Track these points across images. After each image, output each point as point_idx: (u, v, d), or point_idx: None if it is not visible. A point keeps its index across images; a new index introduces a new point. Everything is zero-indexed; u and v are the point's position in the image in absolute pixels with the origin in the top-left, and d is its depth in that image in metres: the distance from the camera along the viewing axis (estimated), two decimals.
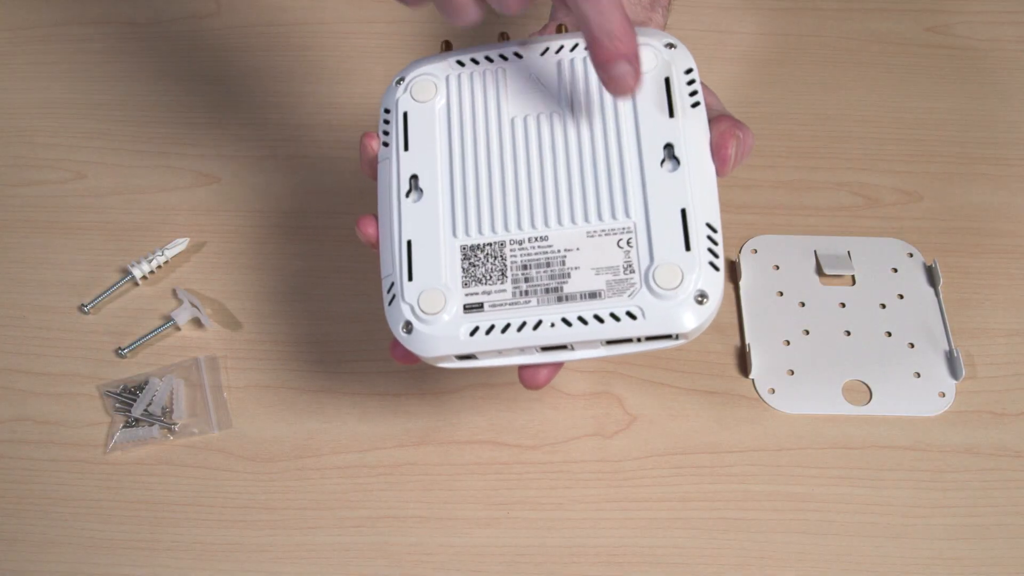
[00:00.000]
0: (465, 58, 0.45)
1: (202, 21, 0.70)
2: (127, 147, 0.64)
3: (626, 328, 0.40)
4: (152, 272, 0.58)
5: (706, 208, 0.41)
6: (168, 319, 0.56)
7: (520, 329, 0.40)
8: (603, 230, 0.41)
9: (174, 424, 0.53)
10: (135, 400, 0.53)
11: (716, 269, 0.40)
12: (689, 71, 0.43)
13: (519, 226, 0.42)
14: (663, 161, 0.42)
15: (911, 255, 0.58)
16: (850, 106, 0.65)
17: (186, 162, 0.63)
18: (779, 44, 0.69)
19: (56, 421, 0.53)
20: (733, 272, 0.58)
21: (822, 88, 0.66)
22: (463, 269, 0.42)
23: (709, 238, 0.40)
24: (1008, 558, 0.49)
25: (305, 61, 0.68)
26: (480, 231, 0.42)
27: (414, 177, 0.44)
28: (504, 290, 0.41)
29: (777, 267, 0.58)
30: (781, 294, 0.57)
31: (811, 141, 0.64)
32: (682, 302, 0.39)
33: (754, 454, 0.52)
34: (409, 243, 0.42)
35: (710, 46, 0.69)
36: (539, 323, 0.40)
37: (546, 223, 0.42)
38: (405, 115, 0.45)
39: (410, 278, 0.42)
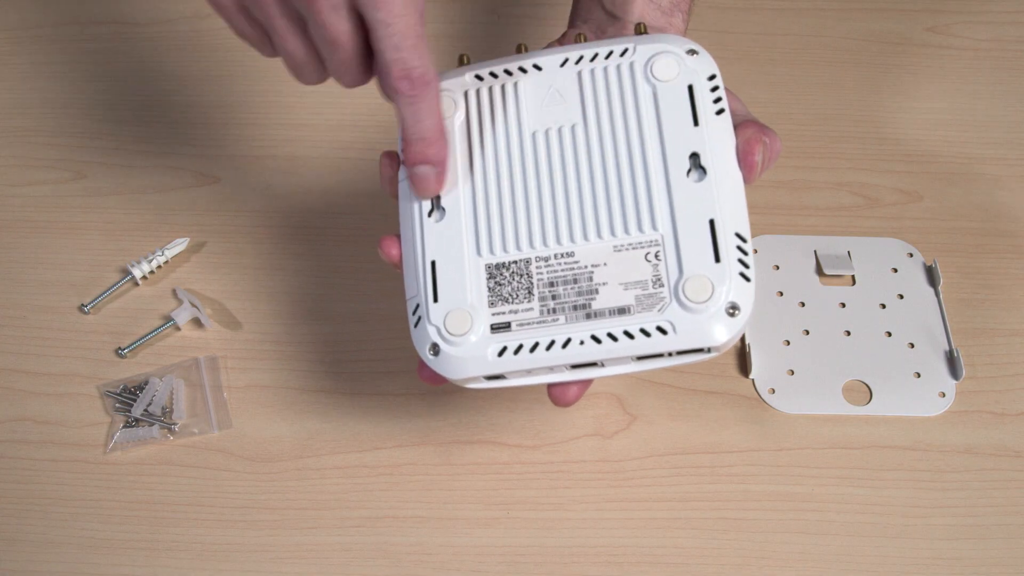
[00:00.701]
0: (483, 72, 0.45)
1: (202, 21, 0.70)
2: (127, 147, 0.64)
3: (657, 343, 0.39)
4: (152, 272, 0.58)
5: (735, 217, 0.40)
6: (168, 319, 0.56)
7: (549, 348, 0.40)
8: (630, 244, 0.40)
9: (174, 424, 0.53)
10: (135, 400, 0.53)
11: (747, 280, 0.39)
12: (712, 77, 0.43)
13: (544, 243, 0.41)
14: (689, 171, 0.41)
15: (911, 255, 0.58)
16: (850, 106, 0.65)
17: (186, 162, 0.63)
18: (779, 44, 0.69)
19: (56, 421, 0.53)
20: None
21: (822, 88, 0.66)
22: (489, 288, 0.41)
23: (739, 248, 0.40)
24: (1008, 558, 0.49)
25: None
26: (505, 249, 0.42)
27: (436, 196, 0.43)
28: (531, 308, 0.41)
29: (777, 267, 0.58)
30: (781, 294, 0.57)
31: (811, 141, 0.64)
32: (713, 315, 0.39)
33: (754, 454, 0.52)
34: (433, 264, 0.42)
35: (710, 46, 0.68)
36: (568, 341, 0.40)
37: (572, 239, 0.41)
38: None
39: (435, 299, 0.41)
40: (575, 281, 0.41)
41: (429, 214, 0.43)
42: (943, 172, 0.62)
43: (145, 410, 0.53)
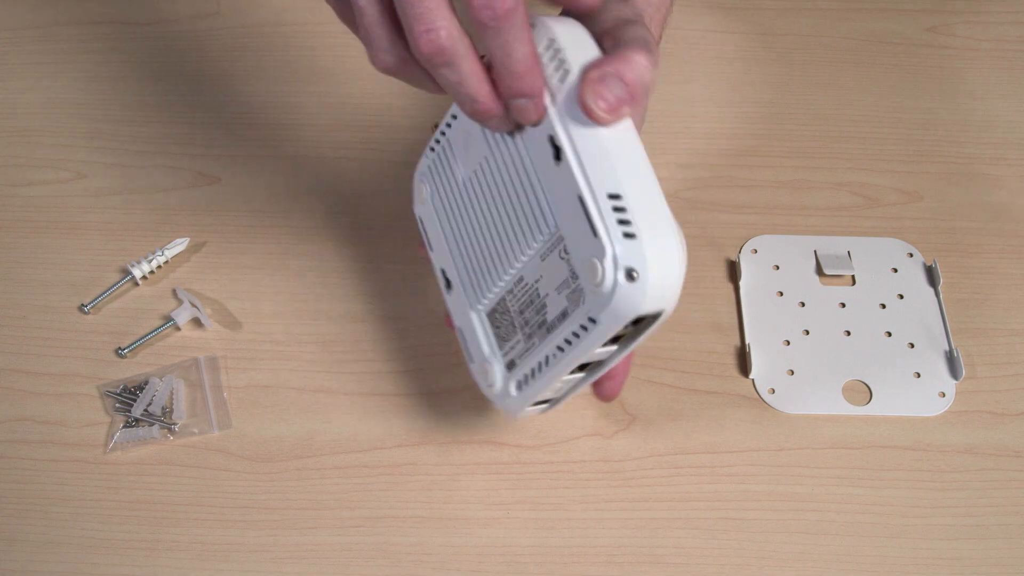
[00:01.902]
0: (434, 141, 0.46)
1: (202, 21, 0.70)
2: (127, 147, 0.64)
3: (596, 336, 0.38)
4: (152, 272, 0.58)
5: (604, 178, 0.36)
6: (168, 319, 0.56)
7: (540, 371, 0.41)
8: (546, 248, 0.40)
9: (174, 424, 0.53)
10: (135, 400, 0.53)
11: (631, 237, 0.36)
12: (551, 42, 0.38)
13: (501, 277, 0.42)
14: (553, 157, 0.38)
15: (911, 255, 0.58)
16: (850, 106, 0.65)
17: (186, 162, 0.63)
18: (779, 44, 0.69)
19: (56, 421, 0.53)
20: (733, 272, 0.58)
21: (822, 88, 0.66)
22: (495, 335, 0.44)
23: (615, 209, 0.36)
24: (1008, 558, 0.49)
25: (305, 61, 0.68)
26: (488, 295, 0.44)
27: (443, 271, 0.47)
28: (519, 340, 0.42)
29: (777, 267, 0.58)
30: (781, 294, 0.57)
31: (811, 141, 0.64)
32: (614, 290, 0.36)
33: (754, 454, 0.52)
34: (461, 330, 0.46)
35: (710, 46, 0.69)
36: (546, 359, 0.41)
37: (512, 263, 0.42)
38: (421, 220, 0.48)
39: (471, 359, 0.46)
40: (531, 302, 0.41)
41: (448, 288, 0.47)
42: (943, 172, 0.62)
43: (145, 410, 0.53)
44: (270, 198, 0.61)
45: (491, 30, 0.35)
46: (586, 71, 0.37)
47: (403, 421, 0.53)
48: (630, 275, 0.36)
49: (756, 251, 0.59)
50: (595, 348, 0.39)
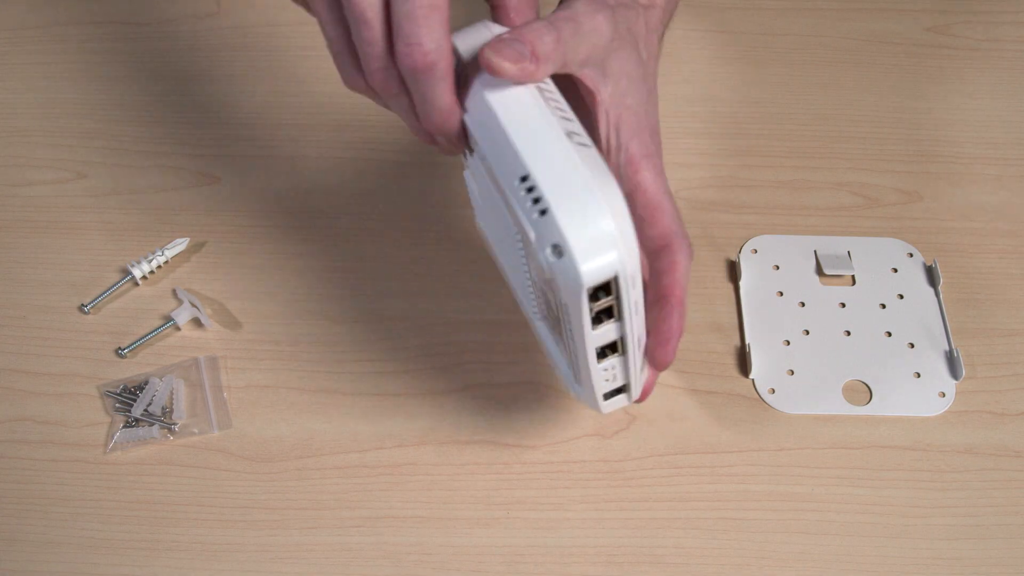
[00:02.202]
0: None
1: (202, 21, 0.70)
2: (127, 147, 0.64)
3: (576, 317, 0.37)
4: (152, 272, 0.58)
5: (511, 167, 0.36)
6: (168, 319, 0.56)
7: (578, 361, 0.41)
8: (525, 249, 0.39)
9: (174, 424, 0.53)
10: (135, 400, 0.53)
11: (545, 213, 0.35)
12: (454, 52, 0.38)
13: (528, 283, 0.43)
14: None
15: (911, 255, 0.58)
16: (850, 106, 0.65)
17: (186, 162, 0.63)
18: (779, 44, 0.69)
19: (56, 421, 0.53)
20: (733, 272, 0.58)
21: (822, 88, 0.66)
22: (554, 340, 0.45)
23: (527, 190, 0.35)
24: (1008, 558, 0.49)
25: (305, 61, 0.68)
26: (533, 304, 0.44)
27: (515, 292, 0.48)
28: (562, 338, 0.42)
29: (777, 267, 0.58)
30: (781, 294, 0.57)
31: (811, 141, 0.64)
32: (553, 270, 0.35)
33: (754, 454, 0.52)
34: (540, 343, 0.47)
35: (710, 46, 0.69)
36: (574, 348, 0.40)
37: (525, 269, 0.42)
38: (494, 258, 0.49)
39: (555, 368, 0.47)
40: (547, 301, 0.41)
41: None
42: (943, 172, 0.62)
43: (145, 410, 0.53)
44: (270, 198, 0.61)
45: (410, 75, 0.38)
46: (486, 48, 0.37)
47: (403, 421, 0.53)
48: (557, 251, 0.35)
49: (756, 251, 0.59)
50: (588, 330, 0.38)
